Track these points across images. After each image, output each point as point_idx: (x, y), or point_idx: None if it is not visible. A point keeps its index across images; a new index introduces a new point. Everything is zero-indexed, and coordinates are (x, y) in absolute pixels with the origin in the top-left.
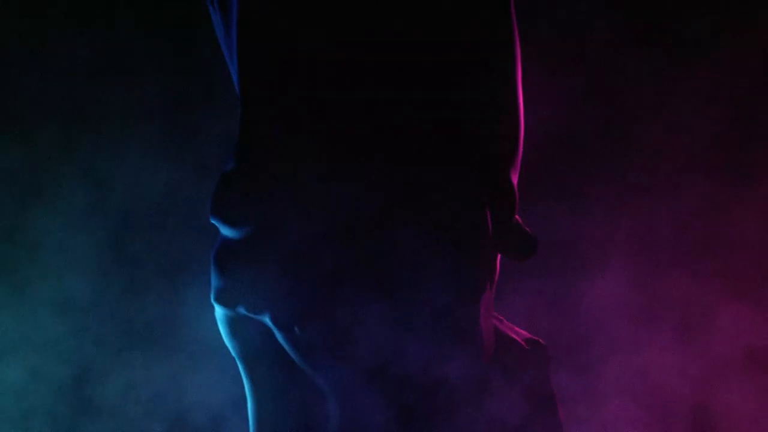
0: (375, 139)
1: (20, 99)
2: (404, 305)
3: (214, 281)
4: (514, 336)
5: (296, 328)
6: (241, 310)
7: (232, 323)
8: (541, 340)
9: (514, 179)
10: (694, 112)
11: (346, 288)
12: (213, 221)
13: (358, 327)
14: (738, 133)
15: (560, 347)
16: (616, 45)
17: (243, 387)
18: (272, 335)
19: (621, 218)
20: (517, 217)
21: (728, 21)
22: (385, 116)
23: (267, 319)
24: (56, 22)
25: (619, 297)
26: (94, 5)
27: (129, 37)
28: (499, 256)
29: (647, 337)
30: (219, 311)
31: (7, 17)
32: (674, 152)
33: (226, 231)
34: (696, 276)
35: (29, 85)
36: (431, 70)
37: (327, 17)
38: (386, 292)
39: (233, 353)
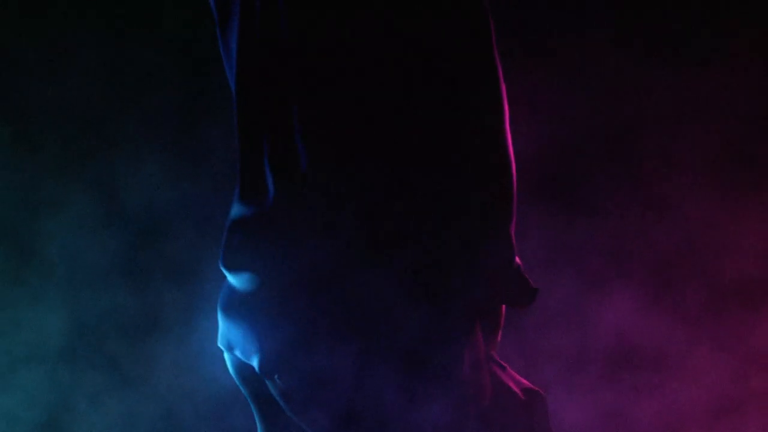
0: (356, 187)
1: (35, 110)
2: (377, 351)
3: (219, 325)
4: (514, 386)
5: (276, 376)
6: (238, 354)
7: (236, 366)
8: (541, 391)
9: (511, 230)
10: (705, 121)
11: (320, 335)
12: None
13: (333, 373)
14: (750, 142)
15: (567, 360)
16: (625, 56)
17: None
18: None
19: (632, 229)
20: (517, 259)
21: (737, 27)
22: (364, 168)
23: (255, 366)
24: (72, 33)
25: (632, 311)
26: (110, 19)
27: (144, 48)
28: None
29: (662, 350)
30: (225, 354)
31: (26, 28)
32: (685, 162)
33: (229, 277)
34: (710, 287)
35: (44, 97)
36: (415, 119)
37: (320, 66)
38: (360, 338)
39: (243, 392)
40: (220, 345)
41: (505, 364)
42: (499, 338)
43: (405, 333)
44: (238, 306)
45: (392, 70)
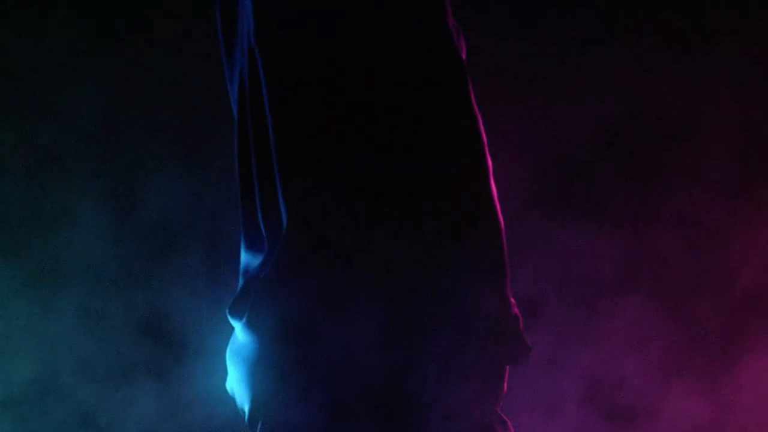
0: (332, 252)
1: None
2: (351, 402)
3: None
4: None
5: (258, 426)
6: (237, 400)
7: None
8: None
9: (510, 295)
10: (718, 132)
11: (294, 387)
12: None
13: (301, 428)
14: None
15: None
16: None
17: None
18: None
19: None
20: (516, 310)
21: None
22: (343, 232)
23: (245, 415)
24: (88, 45)
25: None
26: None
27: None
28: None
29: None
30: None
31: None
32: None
33: (235, 328)
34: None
35: (60, 108)
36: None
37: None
38: (334, 389)
39: None
40: (227, 388)
41: (507, 419)
42: (503, 393)
43: (378, 384)
44: (236, 353)
45: (370, 141)
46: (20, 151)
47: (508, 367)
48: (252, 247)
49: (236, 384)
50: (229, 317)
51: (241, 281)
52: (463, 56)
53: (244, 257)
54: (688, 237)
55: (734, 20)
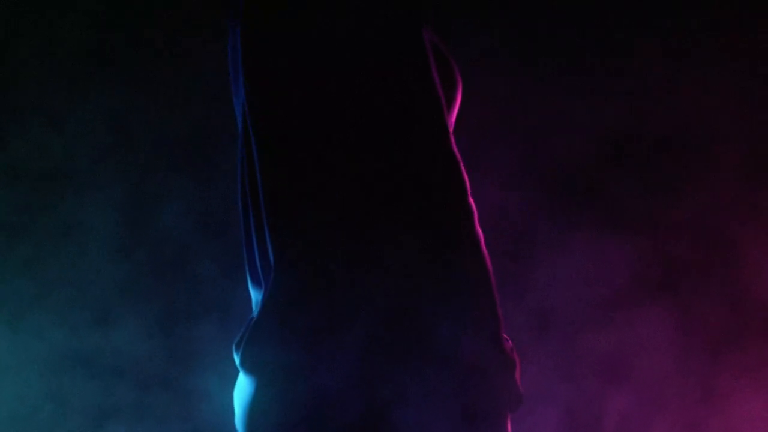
0: (317, 295)
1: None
2: None
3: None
4: None
5: None
6: None
7: None
8: None
9: (507, 343)
10: (733, 138)
11: (271, 427)
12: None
13: None
14: None
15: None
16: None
17: None
18: None
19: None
20: (511, 353)
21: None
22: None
23: None
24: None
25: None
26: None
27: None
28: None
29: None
30: None
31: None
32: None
33: (240, 370)
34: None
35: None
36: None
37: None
38: (302, 428)
39: None
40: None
41: None
42: None
43: (357, 422)
44: (236, 391)
45: (352, 175)
46: (32, 161)
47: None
48: (255, 282)
49: (237, 422)
50: (233, 352)
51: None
52: (456, 73)
53: (251, 292)
54: (700, 247)
55: (746, 28)
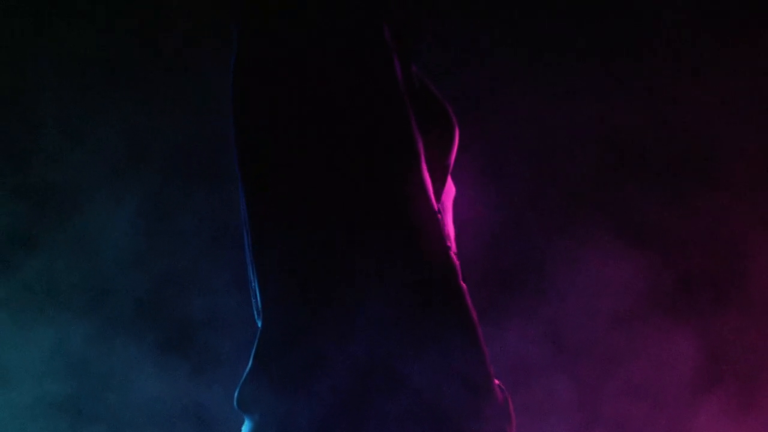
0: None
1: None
2: None
3: None
4: None
5: None
6: None
7: None
8: None
9: (499, 394)
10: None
11: None
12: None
13: None
14: None
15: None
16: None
17: None
18: None
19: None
20: (509, 407)
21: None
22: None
23: None
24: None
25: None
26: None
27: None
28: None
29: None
30: None
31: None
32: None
33: (245, 418)
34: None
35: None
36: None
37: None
38: None
39: None
40: None
41: None
42: None
43: None
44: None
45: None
46: (49, 173)
47: None
48: (257, 315)
49: None
50: (240, 412)
51: None
52: (450, 114)
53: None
54: (713, 259)
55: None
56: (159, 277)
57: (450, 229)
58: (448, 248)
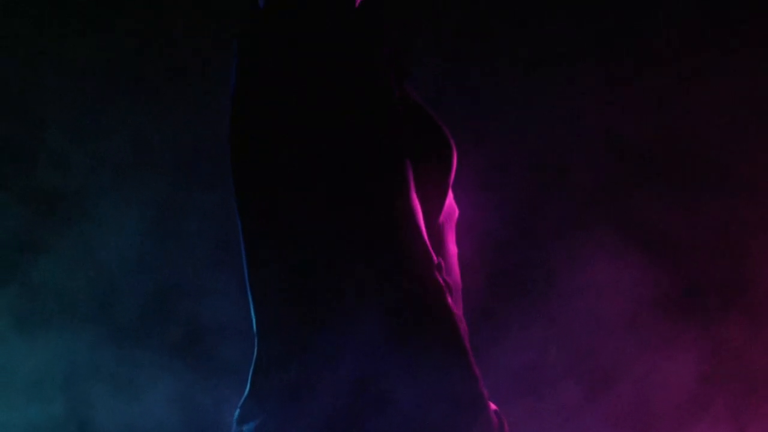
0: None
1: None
2: None
3: None
4: None
5: None
6: None
7: None
8: None
9: (493, 419)
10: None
11: None
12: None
13: None
14: None
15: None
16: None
17: None
18: None
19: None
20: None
21: None
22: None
23: None
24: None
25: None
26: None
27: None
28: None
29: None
30: None
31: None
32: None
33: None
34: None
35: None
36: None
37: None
38: None
39: None
40: None
41: None
42: None
43: None
44: None
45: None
46: (56, 179)
47: None
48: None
49: None
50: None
51: None
52: (448, 137)
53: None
54: (719, 265)
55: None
56: (165, 283)
57: (451, 249)
58: (435, 270)
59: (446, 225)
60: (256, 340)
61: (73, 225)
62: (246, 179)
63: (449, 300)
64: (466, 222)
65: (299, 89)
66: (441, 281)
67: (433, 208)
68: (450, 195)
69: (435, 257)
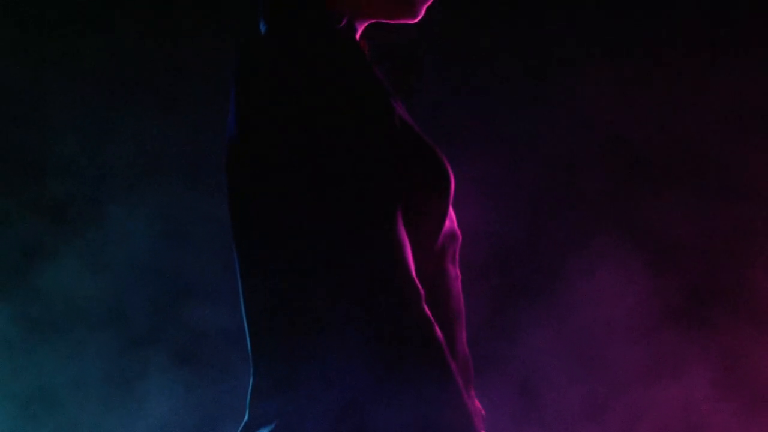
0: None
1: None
2: None
3: None
4: None
5: None
6: None
7: None
8: None
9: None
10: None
11: None
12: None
13: None
14: None
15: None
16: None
17: None
18: None
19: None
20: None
21: None
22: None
23: None
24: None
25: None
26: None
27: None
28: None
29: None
30: None
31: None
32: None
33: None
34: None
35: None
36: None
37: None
38: None
39: None
40: None
41: None
42: None
43: None
44: None
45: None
46: (65, 185)
47: None
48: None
49: None
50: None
51: None
52: (444, 164)
53: None
54: (723, 272)
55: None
56: (175, 289)
57: (452, 273)
58: (423, 303)
59: (446, 251)
60: (251, 370)
61: (82, 231)
62: (241, 222)
63: (438, 333)
64: (472, 229)
65: (296, 122)
66: (426, 311)
67: (428, 237)
68: (453, 220)
69: (421, 289)
